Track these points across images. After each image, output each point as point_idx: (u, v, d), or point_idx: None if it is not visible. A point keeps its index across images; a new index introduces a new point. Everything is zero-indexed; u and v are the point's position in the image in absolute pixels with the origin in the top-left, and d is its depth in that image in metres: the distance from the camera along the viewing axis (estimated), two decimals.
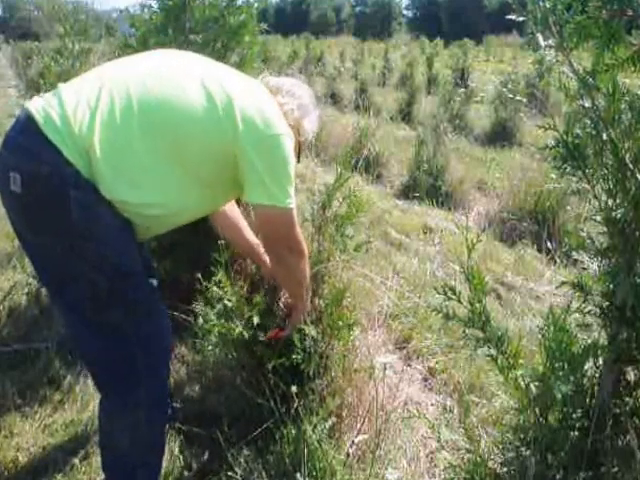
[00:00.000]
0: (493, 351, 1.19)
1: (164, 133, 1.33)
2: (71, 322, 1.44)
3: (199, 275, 1.79)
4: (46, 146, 1.25)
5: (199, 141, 1.36)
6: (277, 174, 1.40)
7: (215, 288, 1.71)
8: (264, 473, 1.63)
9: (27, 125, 1.28)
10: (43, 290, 2.67)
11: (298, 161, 1.61)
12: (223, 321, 1.70)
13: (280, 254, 1.53)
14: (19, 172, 1.26)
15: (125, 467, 1.49)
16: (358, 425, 1.78)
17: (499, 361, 1.19)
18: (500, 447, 1.26)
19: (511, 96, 7.17)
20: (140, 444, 1.46)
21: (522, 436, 1.19)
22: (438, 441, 1.34)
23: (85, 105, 1.30)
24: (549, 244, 3.73)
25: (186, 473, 1.75)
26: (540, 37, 1.06)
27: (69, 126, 1.27)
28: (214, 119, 1.35)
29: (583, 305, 1.14)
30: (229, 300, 1.69)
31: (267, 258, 1.77)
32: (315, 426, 1.56)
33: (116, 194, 1.30)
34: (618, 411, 1.11)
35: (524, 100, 7.34)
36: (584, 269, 1.17)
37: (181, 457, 1.80)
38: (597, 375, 1.15)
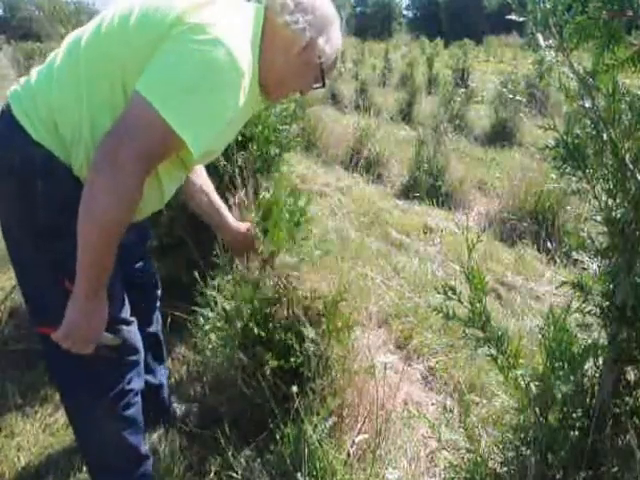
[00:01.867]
0: (493, 351, 1.19)
1: (106, 74, 1.18)
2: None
3: (197, 276, 1.80)
4: (16, 129, 1.19)
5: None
6: (189, 84, 1.08)
7: (214, 292, 1.71)
8: (264, 473, 1.63)
9: (3, 111, 1.23)
10: None
11: (323, 85, 1.37)
12: (223, 322, 1.70)
13: (100, 162, 1.07)
14: None
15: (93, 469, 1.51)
16: (358, 425, 1.78)
17: (499, 361, 1.19)
18: (500, 447, 1.26)
19: (511, 96, 7.18)
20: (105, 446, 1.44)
21: (522, 436, 1.19)
22: (438, 441, 1.34)
23: (45, 69, 1.25)
24: (549, 244, 3.73)
25: (186, 473, 1.75)
26: (540, 37, 1.06)
27: (32, 97, 1.21)
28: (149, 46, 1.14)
29: (583, 305, 1.14)
30: (229, 303, 1.69)
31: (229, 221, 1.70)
32: (315, 426, 1.56)
33: (83, 167, 1.20)
34: (618, 411, 1.11)
35: (524, 100, 7.35)
36: (584, 269, 1.17)
37: (182, 457, 1.80)
38: (597, 375, 1.15)
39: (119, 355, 1.37)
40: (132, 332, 1.41)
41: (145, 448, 1.51)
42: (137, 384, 1.43)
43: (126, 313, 1.39)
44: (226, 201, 2.33)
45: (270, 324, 1.70)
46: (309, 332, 1.64)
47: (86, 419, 1.40)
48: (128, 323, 1.40)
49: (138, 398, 1.45)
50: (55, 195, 1.20)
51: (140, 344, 1.44)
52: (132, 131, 1.08)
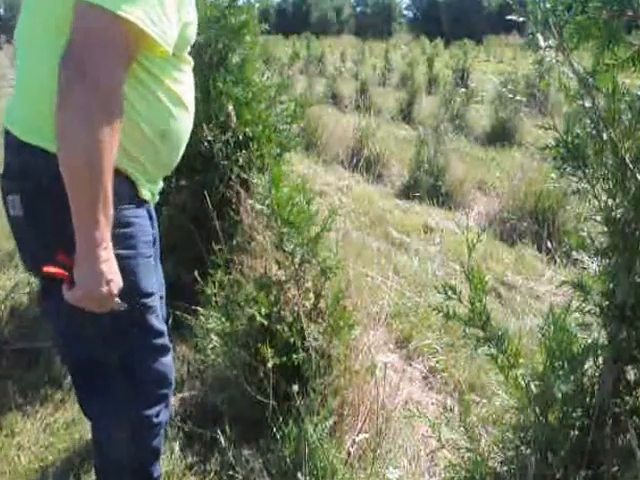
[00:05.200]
0: (493, 350, 1.19)
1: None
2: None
3: (197, 275, 1.80)
4: (22, 147, 1.11)
5: None
6: None
7: (217, 289, 1.71)
8: (265, 472, 1.64)
9: (6, 135, 1.15)
10: None
11: None
12: (224, 320, 1.70)
13: (67, 75, 0.98)
14: (16, 193, 1.11)
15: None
16: (359, 424, 1.79)
17: (499, 360, 1.19)
18: (500, 446, 1.26)
19: (511, 96, 7.18)
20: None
21: (522, 435, 1.20)
22: (438, 440, 1.34)
23: (17, 67, 1.18)
24: (549, 244, 3.73)
25: (187, 473, 1.75)
26: (540, 37, 1.06)
27: (21, 100, 1.14)
28: None
29: (583, 304, 1.14)
30: (231, 301, 1.70)
31: None
32: (316, 425, 1.57)
33: None
34: (618, 410, 1.11)
35: (524, 100, 7.35)
36: (584, 269, 1.17)
37: (182, 457, 1.80)
38: (597, 374, 1.15)
39: (152, 387, 1.31)
40: (167, 363, 1.32)
41: (158, 473, 1.46)
42: (165, 416, 1.38)
43: (160, 322, 1.30)
44: (226, 199, 2.33)
45: (273, 319, 1.70)
46: (312, 328, 1.64)
47: (111, 446, 1.36)
48: (165, 349, 1.31)
49: (163, 430, 1.40)
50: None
51: (173, 376, 1.38)
52: (89, 37, 0.99)
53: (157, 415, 1.34)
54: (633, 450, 1.02)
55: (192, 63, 1.30)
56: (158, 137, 1.19)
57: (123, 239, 1.14)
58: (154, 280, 1.26)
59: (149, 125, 1.16)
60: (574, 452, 1.10)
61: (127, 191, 1.17)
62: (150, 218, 1.28)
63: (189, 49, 1.27)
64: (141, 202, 1.21)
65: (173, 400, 2.01)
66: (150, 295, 1.22)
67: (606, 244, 1.11)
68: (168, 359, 1.33)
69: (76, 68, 0.97)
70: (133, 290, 1.16)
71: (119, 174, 1.12)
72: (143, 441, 1.36)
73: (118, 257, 1.08)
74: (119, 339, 1.21)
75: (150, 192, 1.25)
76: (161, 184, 1.33)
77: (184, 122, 1.27)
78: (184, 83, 1.24)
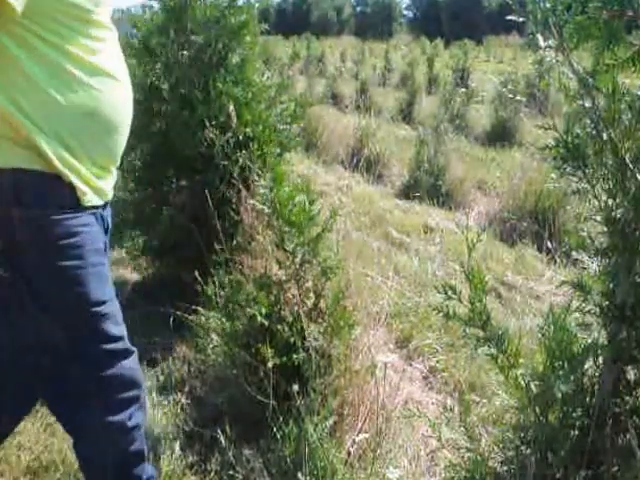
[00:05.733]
0: (493, 350, 1.19)
1: None
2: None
3: (198, 275, 1.80)
4: None
5: None
6: None
7: (217, 289, 1.71)
8: (265, 472, 1.64)
9: None
10: None
11: None
12: (225, 320, 1.71)
13: None
14: None
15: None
16: (359, 424, 1.79)
17: (499, 360, 1.19)
18: (500, 446, 1.26)
19: (511, 96, 7.19)
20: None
21: (522, 435, 1.20)
22: (439, 440, 1.34)
23: None
24: (549, 244, 3.73)
25: (187, 472, 1.75)
26: (540, 37, 1.06)
27: None
28: None
29: (583, 304, 1.14)
30: (232, 301, 1.70)
31: None
32: (316, 425, 1.57)
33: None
34: (618, 410, 1.12)
35: (524, 100, 7.36)
36: (584, 269, 1.17)
37: (182, 456, 1.80)
38: (597, 374, 1.15)
39: (117, 393, 1.27)
40: (128, 365, 1.28)
41: (148, 475, 1.42)
42: (139, 418, 1.34)
43: (116, 327, 1.25)
44: (227, 199, 2.33)
45: (274, 318, 1.70)
46: (312, 328, 1.64)
47: (89, 453, 1.35)
48: (125, 353, 1.28)
49: (142, 431, 1.37)
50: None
51: (140, 377, 1.34)
52: None
53: (130, 418, 1.30)
54: (633, 450, 1.02)
55: (112, 29, 1.19)
56: (82, 114, 1.09)
57: (69, 249, 1.11)
58: (108, 287, 1.22)
59: (65, 103, 1.06)
60: (574, 452, 1.10)
61: (67, 198, 1.11)
62: (102, 223, 1.21)
63: (103, 12, 1.13)
64: (86, 208, 1.15)
65: (174, 399, 2.01)
66: (103, 303, 1.18)
67: (606, 244, 1.11)
68: (129, 362, 1.28)
69: None
70: (83, 301, 1.14)
71: (57, 180, 1.08)
72: (120, 446, 1.32)
73: (66, 268, 1.07)
74: (74, 348, 1.18)
75: (97, 194, 1.17)
76: (114, 177, 1.24)
77: (113, 94, 1.15)
78: (102, 51, 1.13)
